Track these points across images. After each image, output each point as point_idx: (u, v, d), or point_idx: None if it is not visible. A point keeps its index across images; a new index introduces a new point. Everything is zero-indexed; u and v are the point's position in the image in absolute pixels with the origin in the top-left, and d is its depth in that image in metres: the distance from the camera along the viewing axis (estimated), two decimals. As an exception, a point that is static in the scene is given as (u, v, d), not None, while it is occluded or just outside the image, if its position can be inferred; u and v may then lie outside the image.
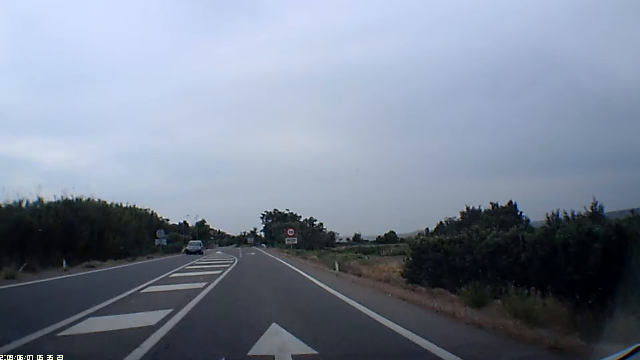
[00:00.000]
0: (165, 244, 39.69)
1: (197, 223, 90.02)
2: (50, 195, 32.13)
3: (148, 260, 28.00)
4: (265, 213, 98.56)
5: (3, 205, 25.05)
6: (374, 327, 5.98)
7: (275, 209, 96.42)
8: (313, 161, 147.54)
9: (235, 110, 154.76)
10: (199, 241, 45.92)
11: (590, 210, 33.13)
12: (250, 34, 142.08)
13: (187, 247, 40.12)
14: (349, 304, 8.13)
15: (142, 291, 10.14)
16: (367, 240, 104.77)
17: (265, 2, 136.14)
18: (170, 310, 7.02)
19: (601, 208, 33.45)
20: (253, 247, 78.97)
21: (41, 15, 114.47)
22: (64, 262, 18.65)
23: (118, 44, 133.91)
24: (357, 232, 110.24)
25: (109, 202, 34.62)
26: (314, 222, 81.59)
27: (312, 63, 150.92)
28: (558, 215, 37.14)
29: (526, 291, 6.81)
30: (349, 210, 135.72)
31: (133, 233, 33.46)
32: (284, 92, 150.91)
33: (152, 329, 5.57)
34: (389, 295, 9.35)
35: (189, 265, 19.94)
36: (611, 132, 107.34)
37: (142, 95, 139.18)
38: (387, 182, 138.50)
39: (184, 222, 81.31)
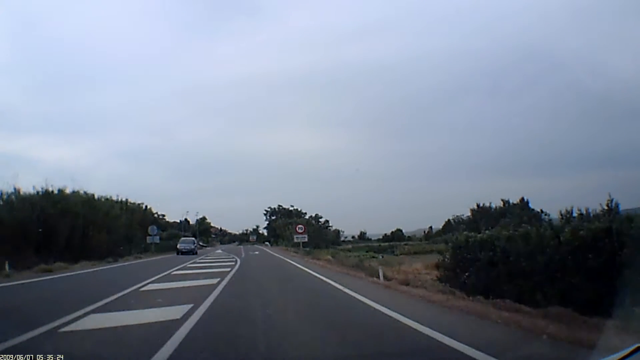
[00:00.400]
0: (158, 241, 35.07)
1: (197, 220, 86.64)
2: (29, 186, 28.45)
3: (134, 262, 24.27)
4: (268, 209, 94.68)
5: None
6: None
7: (279, 205, 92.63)
8: (313, 161, 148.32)
9: (235, 110, 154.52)
10: (193, 239, 39.83)
11: (605, 207, 33.08)
12: (250, 34, 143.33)
13: (178, 246, 33.93)
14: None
15: (61, 330, 5.51)
16: (369, 239, 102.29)
17: (265, 2, 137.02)
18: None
19: (616, 205, 33.13)
20: (256, 246, 75.35)
21: (41, 15, 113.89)
22: (7, 265, 14.47)
23: (118, 44, 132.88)
24: (363, 230, 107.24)
25: (97, 196, 31.08)
26: (320, 220, 77.71)
27: (312, 63, 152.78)
28: (572, 213, 36.83)
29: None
30: (351, 209, 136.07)
31: (123, 229, 29.81)
32: (284, 92, 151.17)
33: None
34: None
35: (176, 270, 15.85)
36: (611, 131, 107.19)
37: (142, 95, 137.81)
38: (387, 182, 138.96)
39: (185, 219, 77.87)
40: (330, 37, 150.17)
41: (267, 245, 77.06)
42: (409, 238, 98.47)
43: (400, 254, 46.00)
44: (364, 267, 17.53)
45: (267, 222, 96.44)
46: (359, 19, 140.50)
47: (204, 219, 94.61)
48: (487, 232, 10.43)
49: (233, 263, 20.88)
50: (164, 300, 8.22)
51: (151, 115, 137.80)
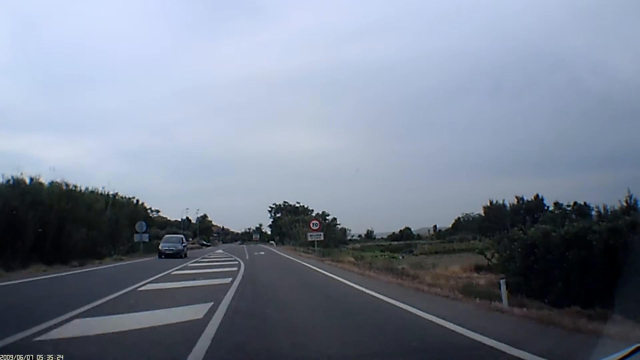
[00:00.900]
0: (147, 240, 29.96)
1: (198, 218, 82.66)
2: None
3: (109, 265, 20.01)
4: (273, 206, 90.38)
5: None
6: None
7: (284, 202, 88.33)
8: (313, 161, 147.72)
9: (235, 110, 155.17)
10: (180, 236, 29.47)
11: (625, 204, 31.58)
12: (250, 34, 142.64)
13: (161, 246, 25.94)
14: None
15: None
16: (375, 237, 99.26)
17: (265, 2, 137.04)
18: None
19: (635, 201, 32.02)
20: (260, 245, 71.08)
21: (41, 15, 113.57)
22: None
23: (118, 44, 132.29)
24: (370, 229, 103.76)
25: (80, 188, 26.85)
26: (327, 217, 73.32)
27: (312, 63, 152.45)
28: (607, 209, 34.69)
29: None
30: (352, 208, 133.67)
31: (107, 226, 25.61)
32: (284, 92, 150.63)
33: None
34: None
35: (150, 284, 10.86)
36: (612, 130, 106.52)
37: (142, 95, 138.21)
38: (387, 182, 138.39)
39: (186, 218, 73.85)
40: (330, 37, 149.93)
41: (272, 244, 72.83)
42: (418, 237, 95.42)
43: (422, 254, 41.68)
44: (409, 274, 13.39)
45: (271, 220, 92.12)
46: (359, 19, 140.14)
47: (205, 216, 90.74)
48: (573, 224, 8.61)
49: (235, 268, 16.66)
50: None
51: (151, 115, 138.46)
